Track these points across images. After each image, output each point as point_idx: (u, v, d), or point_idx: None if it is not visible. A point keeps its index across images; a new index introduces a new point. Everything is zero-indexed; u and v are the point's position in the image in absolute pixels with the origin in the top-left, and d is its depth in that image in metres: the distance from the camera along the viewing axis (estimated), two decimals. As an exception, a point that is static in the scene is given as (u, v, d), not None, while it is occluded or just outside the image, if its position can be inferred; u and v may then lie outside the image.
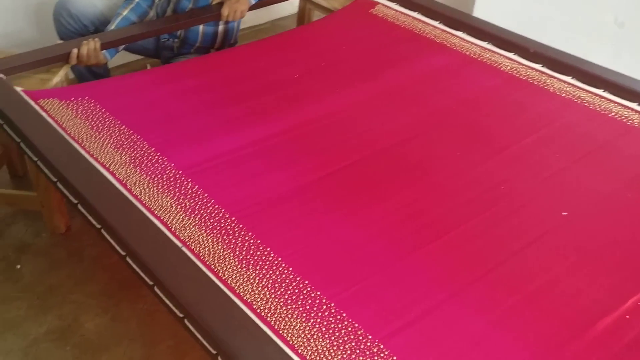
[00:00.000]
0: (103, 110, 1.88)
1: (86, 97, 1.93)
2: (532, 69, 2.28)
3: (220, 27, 2.48)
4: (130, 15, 2.31)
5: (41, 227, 2.20)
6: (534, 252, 1.53)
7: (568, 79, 2.22)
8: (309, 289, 1.36)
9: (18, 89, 1.89)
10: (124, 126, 1.81)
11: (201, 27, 2.44)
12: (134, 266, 1.37)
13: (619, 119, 2.03)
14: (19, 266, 2.06)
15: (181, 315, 1.26)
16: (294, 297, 1.34)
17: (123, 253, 1.39)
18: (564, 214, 1.65)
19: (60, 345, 1.81)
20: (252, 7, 2.48)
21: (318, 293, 1.35)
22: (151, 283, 1.32)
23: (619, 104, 2.10)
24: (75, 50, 2.07)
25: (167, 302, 1.29)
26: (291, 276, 1.39)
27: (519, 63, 2.31)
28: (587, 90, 2.17)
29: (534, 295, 1.42)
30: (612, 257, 1.53)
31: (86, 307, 1.93)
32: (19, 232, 2.19)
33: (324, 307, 1.33)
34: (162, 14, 2.43)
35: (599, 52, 2.71)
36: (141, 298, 1.95)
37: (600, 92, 2.16)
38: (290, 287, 1.36)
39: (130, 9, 2.31)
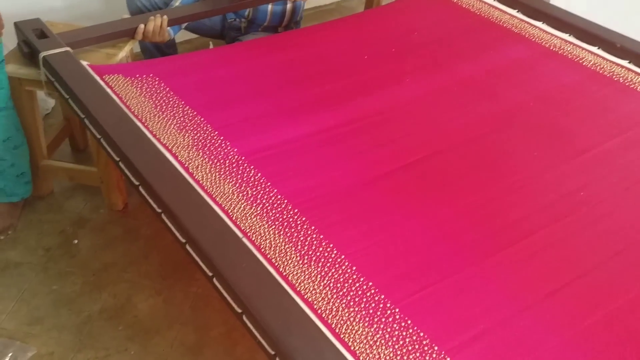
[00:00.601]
0: (167, 89, 1.84)
1: (151, 75, 1.89)
2: (618, 65, 2.13)
3: (289, 5, 2.41)
4: None
5: (99, 203, 2.20)
6: (616, 267, 1.42)
7: (657, 78, 2.07)
8: (372, 291, 1.29)
9: (84, 63, 1.87)
10: (187, 107, 1.77)
11: (270, 6, 2.38)
12: (194, 255, 1.32)
13: None
14: (76, 241, 2.06)
15: (239, 311, 1.21)
16: (356, 299, 1.27)
17: (183, 240, 1.35)
18: (650, 226, 1.53)
19: (113, 325, 1.81)
20: (321, -12, 2.40)
21: (382, 296, 1.28)
22: (210, 274, 1.28)
23: None
24: (141, 26, 2.04)
25: (226, 295, 1.24)
26: (354, 276, 1.32)
27: (603, 58, 2.16)
28: (677, 92, 2.01)
29: (615, 315, 1.31)
30: None
31: (140, 288, 1.92)
32: (77, 206, 2.20)
33: (388, 312, 1.25)
34: None
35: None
36: (195, 282, 1.92)
37: (692, 94, 2.00)
38: (353, 288, 1.29)
39: None
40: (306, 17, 3.25)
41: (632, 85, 2.03)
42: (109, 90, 1.77)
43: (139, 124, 1.65)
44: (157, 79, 1.87)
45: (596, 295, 1.35)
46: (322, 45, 2.18)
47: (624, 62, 2.13)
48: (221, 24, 2.43)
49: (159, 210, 1.41)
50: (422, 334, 1.22)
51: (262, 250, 1.34)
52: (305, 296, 1.26)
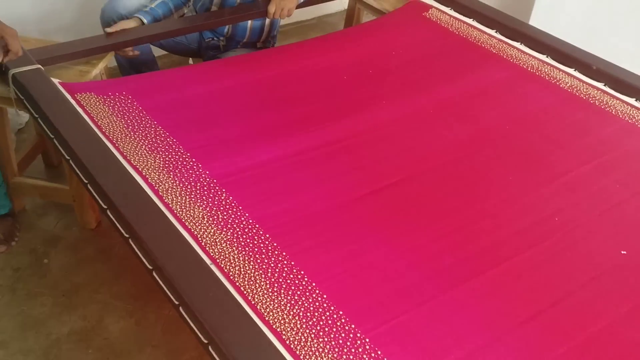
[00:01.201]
0: (140, 108, 1.81)
1: (124, 93, 1.87)
2: (594, 87, 2.13)
3: (267, 20, 2.40)
4: (169, 1, 2.25)
5: (72, 221, 2.16)
6: (588, 295, 1.41)
7: (632, 101, 2.08)
8: (343, 320, 1.27)
9: (55, 81, 1.84)
10: (160, 127, 1.74)
11: (249, 22, 2.36)
12: (160, 282, 1.29)
13: (687, 149, 1.88)
14: (46, 260, 2.02)
15: (205, 342, 1.18)
16: (326, 329, 1.25)
17: (150, 267, 1.32)
18: (623, 252, 1.52)
19: (82, 348, 1.77)
20: (300, 6, 2.39)
21: (352, 326, 1.26)
22: (177, 303, 1.25)
23: (687, 132, 1.95)
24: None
25: (192, 325, 1.21)
26: (325, 305, 1.30)
27: (580, 80, 2.17)
28: (652, 115, 2.02)
29: (587, 344, 1.30)
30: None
31: (111, 309, 1.88)
32: (49, 224, 2.16)
33: (358, 342, 1.23)
34: (204, 11, 2.35)
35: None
36: (167, 303, 1.84)
37: (667, 117, 2.01)
38: (324, 318, 1.27)
39: None
40: (287, 33, 3.25)
41: (607, 109, 2.04)
42: (79, 109, 1.74)
43: (109, 144, 1.63)
44: (129, 97, 1.85)
45: (569, 324, 1.34)
46: (300, 65, 2.17)
47: (600, 85, 2.14)
48: (198, 43, 2.41)
49: (127, 236, 1.39)
50: (391, 366, 1.20)
51: (231, 277, 1.32)
52: (274, 326, 1.23)
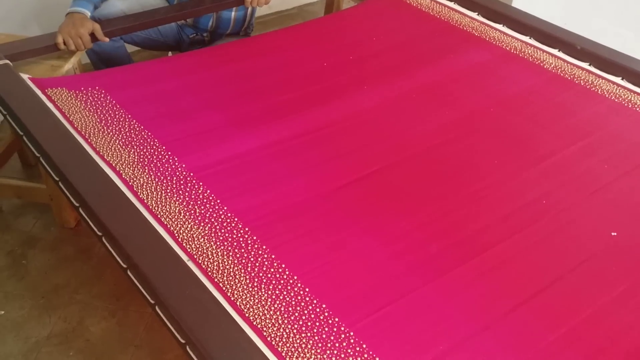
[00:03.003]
0: (114, 102, 1.76)
1: (97, 87, 1.81)
2: (579, 67, 2.10)
3: (249, 9, 2.36)
4: None
5: (50, 221, 2.11)
6: (578, 279, 1.38)
7: (618, 80, 2.04)
8: (326, 314, 1.23)
9: (25, 76, 1.78)
10: (134, 120, 1.69)
11: (233, 13, 2.32)
12: (135, 281, 1.25)
13: (674, 127, 1.85)
14: (24, 262, 1.97)
15: (183, 342, 1.14)
16: (309, 324, 1.20)
17: (124, 265, 1.27)
18: (613, 234, 1.49)
19: (63, 351, 1.72)
20: (278, -6, 2.34)
21: (336, 319, 1.22)
22: (152, 302, 1.20)
23: (674, 110, 1.91)
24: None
25: (169, 325, 1.17)
26: (307, 298, 1.26)
27: (564, 61, 2.13)
28: (638, 94, 1.98)
29: (578, 330, 1.26)
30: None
31: (92, 309, 1.83)
32: (27, 225, 2.10)
33: (342, 336, 1.19)
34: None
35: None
36: (150, 302, 1.84)
37: (653, 96, 1.97)
38: (306, 312, 1.23)
39: None
40: (268, 22, 3.21)
41: (593, 88, 2.00)
42: (50, 104, 1.68)
43: (81, 140, 1.57)
44: (103, 91, 1.79)
45: (559, 310, 1.30)
46: (275, 54, 2.12)
47: (585, 65, 2.10)
48: (176, 39, 2.35)
49: (100, 234, 1.34)
50: (377, 359, 1.16)
51: (209, 274, 1.27)
52: (254, 322, 1.19)
